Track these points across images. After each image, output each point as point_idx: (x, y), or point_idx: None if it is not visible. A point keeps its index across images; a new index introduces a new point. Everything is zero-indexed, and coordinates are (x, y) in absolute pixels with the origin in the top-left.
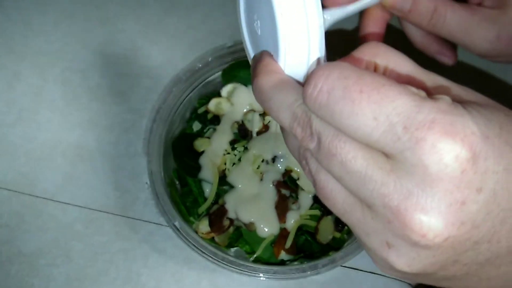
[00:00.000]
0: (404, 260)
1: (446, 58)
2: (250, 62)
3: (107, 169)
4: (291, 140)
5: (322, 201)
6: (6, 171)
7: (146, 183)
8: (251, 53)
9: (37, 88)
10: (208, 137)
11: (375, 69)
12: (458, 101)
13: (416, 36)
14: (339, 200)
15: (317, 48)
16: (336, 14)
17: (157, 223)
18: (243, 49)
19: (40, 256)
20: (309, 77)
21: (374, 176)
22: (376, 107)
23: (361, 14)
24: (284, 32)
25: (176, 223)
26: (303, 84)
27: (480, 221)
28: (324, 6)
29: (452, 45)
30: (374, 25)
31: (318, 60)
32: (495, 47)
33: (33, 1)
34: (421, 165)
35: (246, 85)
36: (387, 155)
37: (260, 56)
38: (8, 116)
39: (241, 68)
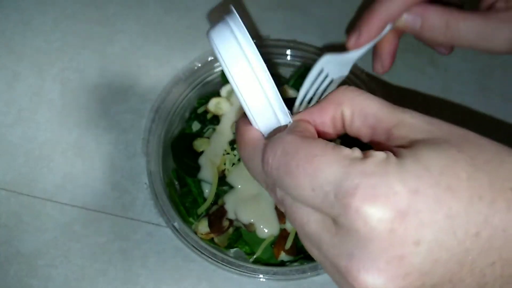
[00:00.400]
0: None
1: (443, 49)
2: None
3: (106, 169)
4: None
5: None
6: (5, 171)
7: (145, 183)
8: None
9: (36, 88)
10: (208, 137)
11: (342, 116)
12: (403, 145)
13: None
14: (314, 253)
15: (279, 107)
16: (357, 54)
17: (156, 224)
18: None
19: (38, 257)
20: (262, 153)
21: (325, 239)
22: (311, 179)
23: None
24: (248, 105)
25: (175, 224)
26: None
27: (428, 269)
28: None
29: None
30: (388, 44)
31: (285, 114)
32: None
33: (32, 1)
34: (353, 229)
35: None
36: (333, 219)
37: (238, 125)
38: (7, 116)
39: None
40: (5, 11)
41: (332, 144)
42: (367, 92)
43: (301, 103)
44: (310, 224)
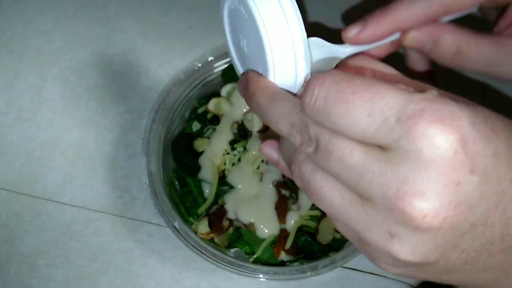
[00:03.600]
0: (407, 248)
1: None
2: (239, 77)
3: (106, 169)
4: (286, 147)
5: (316, 203)
6: (5, 171)
7: (145, 183)
8: (240, 70)
9: (36, 88)
10: (208, 137)
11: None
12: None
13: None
14: (337, 198)
15: (303, 60)
16: (354, 49)
17: (156, 224)
18: None
19: (39, 256)
20: (305, 86)
21: (371, 167)
22: (369, 105)
23: None
24: (271, 51)
25: (176, 224)
26: (294, 94)
27: (475, 202)
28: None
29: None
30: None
31: (305, 70)
32: None
33: (33, 2)
34: (414, 150)
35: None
36: (382, 148)
37: (250, 75)
38: (8, 116)
39: None
40: (5, 11)
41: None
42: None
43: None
44: (354, 154)
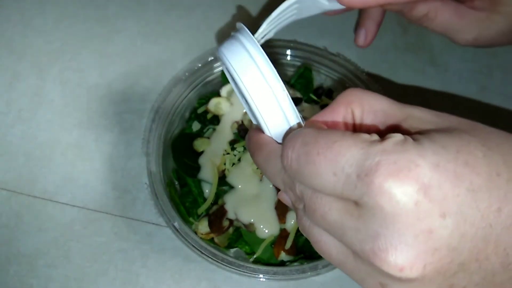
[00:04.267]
0: None
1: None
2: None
3: (106, 169)
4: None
5: (321, 255)
6: (5, 171)
7: (145, 183)
8: (248, 111)
9: (36, 88)
10: (208, 137)
11: (352, 115)
12: (418, 132)
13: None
14: (333, 251)
15: (289, 108)
16: (334, 5)
17: (156, 224)
18: None
19: (39, 257)
20: (282, 149)
21: (348, 224)
22: (333, 164)
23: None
24: (259, 111)
25: (176, 224)
26: None
27: (456, 244)
28: None
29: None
30: (373, 19)
31: (293, 114)
32: (473, 45)
33: (33, 1)
34: (377, 207)
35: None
36: (356, 203)
37: (250, 135)
38: (7, 116)
39: None
40: (5, 11)
41: (349, 131)
42: (373, 92)
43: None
44: (332, 212)
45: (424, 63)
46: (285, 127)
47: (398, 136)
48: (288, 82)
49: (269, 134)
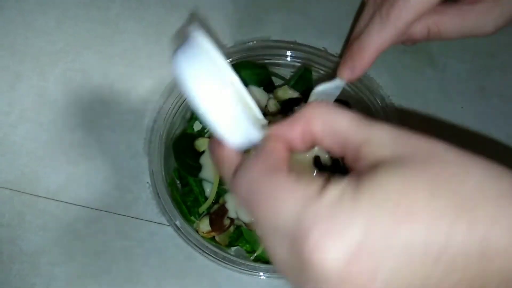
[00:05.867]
0: None
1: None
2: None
3: (109, 169)
4: None
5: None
6: (8, 170)
7: (147, 182)
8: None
9: (38, 88)
10: (209, 137)
11: (312, 132)
12: (372, 164)
13: None
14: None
15: (252, 122)
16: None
17: (158, 223)
18: (243, 49)
19: (41, 255)
20: (231, 183)
21: (291, 278)
22: (271, 221)
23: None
24: (219, 125)
25: (177, 223)
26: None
27: None
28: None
29: None
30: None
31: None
32: (497, 31)
33: (35, 2)
34: (311, 267)
35: (247, 85)
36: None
37: (210, 145)
38: (10, 116)
39: (242, 68)
40: (7, 12)
41: (292, 178)
42: (338, 107)
43: None
44: (276, 256)
45: (423, 64)
46: (247, 137)
47: (336, 189)
48: (288, 83)
49: (230, 143)
